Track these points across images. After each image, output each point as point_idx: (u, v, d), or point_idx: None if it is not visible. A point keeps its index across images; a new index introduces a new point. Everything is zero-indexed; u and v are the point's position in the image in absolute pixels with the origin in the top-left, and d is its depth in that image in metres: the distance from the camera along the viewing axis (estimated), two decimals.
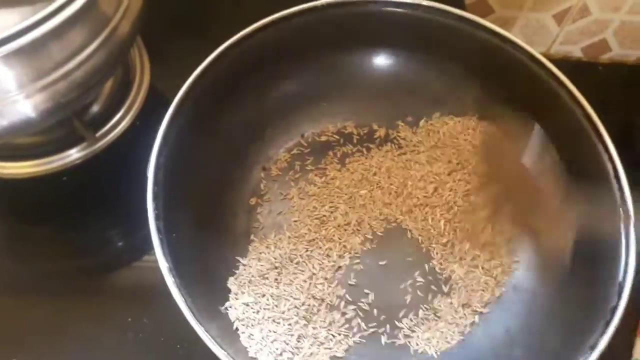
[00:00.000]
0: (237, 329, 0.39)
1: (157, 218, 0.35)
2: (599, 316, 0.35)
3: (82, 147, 0.50)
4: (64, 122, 0.47)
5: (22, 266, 0.48)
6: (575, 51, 0.67)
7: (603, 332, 0.34)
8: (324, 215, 0.45)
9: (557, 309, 0.39)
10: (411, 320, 0.42)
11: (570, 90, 0.42)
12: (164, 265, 0.34)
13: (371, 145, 0.49)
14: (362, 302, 0.43)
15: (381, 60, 0.48)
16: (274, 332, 0.39)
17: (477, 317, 0.42)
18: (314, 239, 0.44)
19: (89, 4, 0.38)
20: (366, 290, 0.43)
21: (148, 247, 0.48)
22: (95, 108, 0.52)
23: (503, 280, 0.43)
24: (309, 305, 0.41)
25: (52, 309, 0.45)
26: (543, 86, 0.43)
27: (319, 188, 0.47)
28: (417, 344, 0.41)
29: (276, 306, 0.40)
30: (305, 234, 0.45)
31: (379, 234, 0.46)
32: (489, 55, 0.45)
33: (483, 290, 0.42)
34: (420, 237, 0.45)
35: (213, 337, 0.32)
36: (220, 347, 0.32)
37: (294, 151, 0.49)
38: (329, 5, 0.44)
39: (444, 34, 0.45)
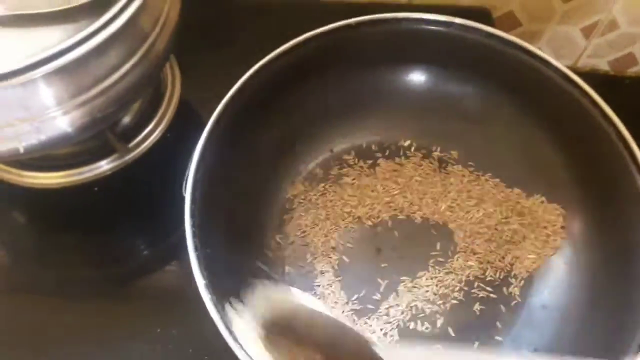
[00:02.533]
0: None
1: (194, 235, 0.36)
2: (631, 338, 0.35)
3: (113, 158, 0.50)
4: (96, 135, 0.48)
5: (52, 274, 0.49)
6: (602, 64, 0.67)
7: (636, 355, 0.34)
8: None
9: (585, 328, 0.40)
10: None
11: (604, 110, 0.42)
12: (200, 282, 0.35)
13: (403, 160, 0.50)
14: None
15: (413, 77, 0.48)
16: None
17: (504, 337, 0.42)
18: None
19: (130, 22, 0.38)
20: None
21: (177, 258, 0.49)
22: (126, 120, 0.52)
23: None
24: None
25: (80, 317, 0.46)
26: (575, 105, 0.43)
27: (348, 201, 0.48)
28: None
29: None
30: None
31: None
32: (520, 72, 0.45)
33: None
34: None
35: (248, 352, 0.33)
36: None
37: (324, 166, 0.49)
38: (362, 23, 0.44)
39: (476, 51, 0.45)
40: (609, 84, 0.67)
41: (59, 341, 0.45)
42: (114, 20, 0.38)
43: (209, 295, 0.34)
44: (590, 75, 0.44)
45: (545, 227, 0.46)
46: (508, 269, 0.45)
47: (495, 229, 0.46)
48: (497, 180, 0.48)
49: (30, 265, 0.50)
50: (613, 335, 0.37)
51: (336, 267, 0.45)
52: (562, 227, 0.45)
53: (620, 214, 0.41)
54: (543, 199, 0.47)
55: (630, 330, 0.36)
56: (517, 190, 0.48)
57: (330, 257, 0.46)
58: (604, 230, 0.42)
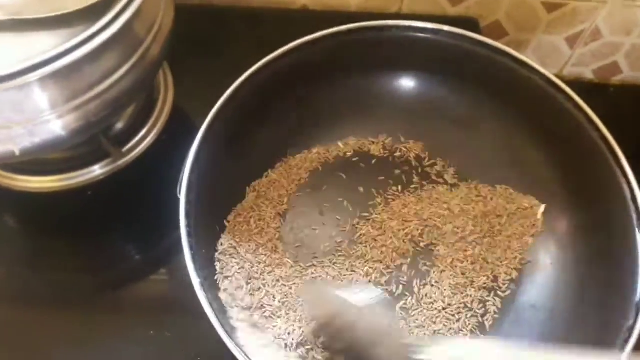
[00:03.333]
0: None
1: (189, 235, 0.36)
2: (617, 335, 0.36)
3: (106, 162, 0.51)
4: (90, 139, 0.48)
5: (45, 278, 0.49)
6: (587, 73, 0.69)
7: (622, 350, 0.35)
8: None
9: (573, 326, 0.40)
10: None
11: (587, 113, 0.43)
12: (196, 280, 0.35)
13: (394, 166, 0.50)
14: None
15: (404, 83, 0.49)
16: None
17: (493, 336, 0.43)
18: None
19: (125, 28, 0.39)
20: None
21: (170, 262, 0.50)
22: (120, 125, 0.53)
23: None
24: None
25: (73, 322, 0.46)
26: (560, 109, 0.44)
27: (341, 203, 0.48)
28: None
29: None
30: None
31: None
32: (506, 78, 0.47)
33: None
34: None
35: (243, 350, 0.33)
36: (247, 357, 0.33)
37: (317, 169, 0.50)
38: (352, 30, 0.45)
39: (464, 58, 0.47)
40: (593, 92, 0.68)
41: (52, 345, 0.45)
42: (109, 26, 0.39)
43: (204, 294, 0.35)
44: (575, 84, 0.45)
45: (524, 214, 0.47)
46: (495, 268, 0.45)
47: (476, 232, 0.47)
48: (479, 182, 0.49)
49: (23, 270, 0.50)
50: (600, 332, 0.38)
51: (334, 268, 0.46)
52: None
53: (604, 214, 0.42)
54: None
55: (615, 327, 0.37)
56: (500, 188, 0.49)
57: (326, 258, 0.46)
58: (588, 229, 0.43)
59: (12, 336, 0.45)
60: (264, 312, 0.41)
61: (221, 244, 0.42)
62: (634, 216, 0.39)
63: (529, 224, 0.46)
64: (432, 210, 0.47)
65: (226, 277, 0.41)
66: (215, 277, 0.41)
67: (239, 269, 0.42)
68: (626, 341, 0.35)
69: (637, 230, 0.39)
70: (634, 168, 0.41)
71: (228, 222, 0.44)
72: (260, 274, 0.42)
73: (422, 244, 0.46)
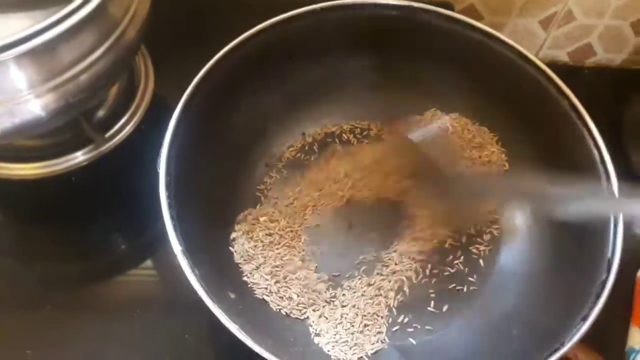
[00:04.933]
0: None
1: (170, 207, 0.37)
2: (591, 290, 0.37)
3: (89, 149, 0.51)
4: (72, 124, 0.49)
5: (29, 267, 0.49)
6: (562, 56, 0.70)
7: (594, 304, 0.36)
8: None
9: (550, 287, 0.41)
10: None
11: (557, 84, 0.44)
12: (177, 248, 0.35)
13: (366, 140, 0.52)
14: None
15: (377, 61, 0.50)
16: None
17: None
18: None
19: (99, 8, 0.40)
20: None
21: (155, 246, 0.50)
22: (101, 112, 0.54)
23: None
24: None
25: (58, 308, 0.47)
26: (531, 81, 0.46)
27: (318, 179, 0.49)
28: None
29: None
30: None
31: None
32: (479, 54, 0.48)
33: None
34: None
35: (224, 312, 0.33)
36: (231, 320, 0.33)
37: (296, 148, 0.51)
38: (325, 9, 0.46)
39: (437, 35, 0.48)
40: (568, 74, 0.68)
41: (36, 332, 0.45)
42: (83, 6, 0.39)
43: (186, 261, 0.35)
44: (550, 66, 0.46)
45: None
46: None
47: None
48: None
49: (5, 259, 0.50)
50: (576, 290, 0.39)
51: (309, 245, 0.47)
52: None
53: (575, 178, 0.43)
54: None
55: (590, 283, 0.38)
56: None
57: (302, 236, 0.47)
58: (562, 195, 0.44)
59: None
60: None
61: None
62: (604, 177, 0.40)
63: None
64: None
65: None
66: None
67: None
68: (598, 296, 0.36)
69: (607, 190, 0.40)
70: (609, 146, 0.42)
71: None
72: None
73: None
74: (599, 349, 0.44)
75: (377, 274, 0.45)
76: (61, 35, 0.39)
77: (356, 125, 0.52)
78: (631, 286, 0.49)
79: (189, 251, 0.36)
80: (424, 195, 0.47)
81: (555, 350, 0.34)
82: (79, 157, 0.51)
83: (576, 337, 0.35)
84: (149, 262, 0.50)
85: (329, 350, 0.41)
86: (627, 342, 0.47)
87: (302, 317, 0.43)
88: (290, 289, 0.43)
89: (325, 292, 0.44)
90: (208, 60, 0.44)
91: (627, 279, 0.48)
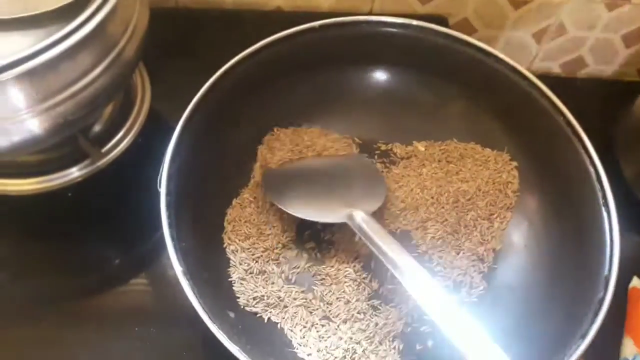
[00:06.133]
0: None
1: (170, 226, 0.37)
2: (589, 308, 0.37)
3: (85, 164, 0.51)
4: (69, 140, 0.48)
5: (26, 283, 0.49)
6: (555, 67, 0.71)
7: (592, 322, 0.36)
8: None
9: (548, 304, 0.42)
10: None
11: (552, 100, 0.45)
12: (178, 269, 0.35)
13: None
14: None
15: (376, 78, 0.51)
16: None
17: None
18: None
19: (99, 28, 0.40)
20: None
21: (154, 260, 0.50)
22: (98, 127, 0.53)
23: None
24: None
25: (57, 325, 0.46)
26: (526, 97, 0.46)
27: None
28: None
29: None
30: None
31: None
32: (475, 70, 0.48)
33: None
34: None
35: (226, 333, 0.34)
36: (232, 342, 0.33)
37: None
38: (324, 26, 0.47)
39: (433, 52, 0.48)
40: (561, 85, 0.69)
41: (34, 350, 0.45)
42: (83, 26, 0.39)
43: (187, 282, 0.35)
44: (543, 78, 0.47)
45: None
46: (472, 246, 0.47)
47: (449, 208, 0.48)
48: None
49: (2, 275, 0.49)
50: (573, 307, 0.40)
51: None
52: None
53: (571, 196, 0.44)
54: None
55: (587, 301, 0.38)
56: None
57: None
58: (557, 210, 0.45)
59: None
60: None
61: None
62: (599, 194, 0.41)
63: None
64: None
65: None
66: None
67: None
68: (596, 313, 0.37)
69: (602, 208, 0.41)
70: (601, 158, 0.42)
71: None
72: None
73: None
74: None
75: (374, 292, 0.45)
76: (61, 55, 0.38)
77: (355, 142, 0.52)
78: (624, 296, 0.50)
79: (189, 272, 0.36)
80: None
81: None
82: (75, 172, 0.51)
83: (575, 356, 0.35)
84: (145, 278, 0.50)
85: None
86: (620, 353, 0.48)
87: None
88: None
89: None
90: (204, 74, 0.44)
91: (620, 289, 0.49)
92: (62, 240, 0.51)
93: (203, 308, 0.34)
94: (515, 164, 0.49)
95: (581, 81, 0.71)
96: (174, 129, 0.42)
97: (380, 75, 0.51)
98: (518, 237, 0.47)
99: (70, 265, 0.50)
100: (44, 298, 0.48)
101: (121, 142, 0.53)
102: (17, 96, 0.39)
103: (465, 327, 0.36)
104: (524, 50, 0.68)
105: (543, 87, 0.45)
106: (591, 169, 0.42)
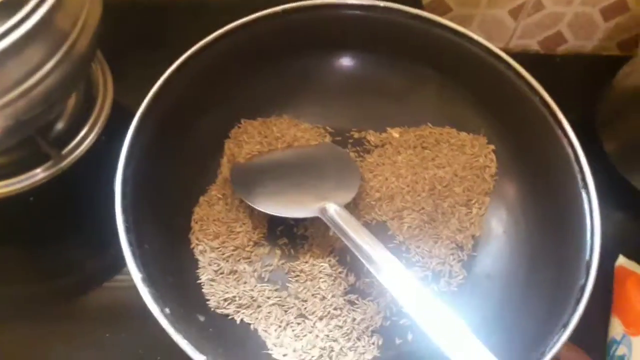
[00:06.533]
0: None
1: (127, 231, 0.35)
2: (570, 295, 0.36)
3: (47, 166, 0.49)
4: (27, 141, 0.46)
5: None
6: (533, 44, 0.69)
7: (574, 310, 0.35)
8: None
9: (529, 291, 0.40)
10: None
11: (527, 80, 0.43)
12: (137, 276, 0.34)
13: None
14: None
15: (344, 63, 0.49)
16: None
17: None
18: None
19: (45, 20, 0.37)
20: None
21: (120, 264, 0.48)
22: (59, 125, 0.51)
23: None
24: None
25: (21, 336, 0.45)
26: (501, 78, 0.44)
27: None
28: None
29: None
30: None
31: None
32: (447, 52, 0.46)
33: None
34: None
35: (190, 342, 0.32)
36: (198, 351, 0.32)
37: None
38: (287, 11, 0.45)
39: (403, 34, 0.46)
40: (540, 62, 0.68)
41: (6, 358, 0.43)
42: (27, 19, 0.37)
43: (147, 289, 0.34)
44: (521, 56, 0.45)
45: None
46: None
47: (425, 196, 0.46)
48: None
49: None
50: (554, 295, 0.38)
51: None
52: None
53: (550, 177, 0.42)
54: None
55: (568, 288, 0.37)
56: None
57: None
58: (536, 194, 0.43)
59: None
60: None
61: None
62: (579, 177, 0.39)
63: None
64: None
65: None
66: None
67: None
68: (578, 300, 0.35)
69: (582, 191, 0.39)
70: (580, 134, 0.41)
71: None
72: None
73: None
74: (578, 341, 0.43)
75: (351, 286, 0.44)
76: (6, 50, 0.36)
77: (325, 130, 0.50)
78: (611, 275, 0.49)
79: (151, 278, 0.34)
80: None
81: None
82: (38, 175, 0.49)
83: (557, 346, 0.34)
84: (114, 282, 0.48)
85: None
86: (608, 333, 0.47)
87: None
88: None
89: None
90: (167, 64, 0.42)
91: (606, 267, 0.48)
92: (26, 247, 0.49)
93: (164, 315, 0.32)
94: (492, 147, 0.47)
95: (561, 58, 0.69)
96: None
97: (348, 61, 0.49)
98: (497, 223, 0.45)
99: (36, 272, 0.48)
100: (11, 305, 0.46)
101: (84, 141, 0.51)
102: None
103: (443, 320, 0.35)
104: (501, 28, 0.67)
105: (518, 68, 0.43)
106: (569, 150, 0.40)
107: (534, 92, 0.43)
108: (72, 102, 0.52)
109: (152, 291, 0.34)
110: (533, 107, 0.42)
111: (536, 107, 0.42)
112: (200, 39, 0.44)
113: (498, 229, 0.45)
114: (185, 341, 0.32)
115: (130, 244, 0.35)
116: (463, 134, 0.48)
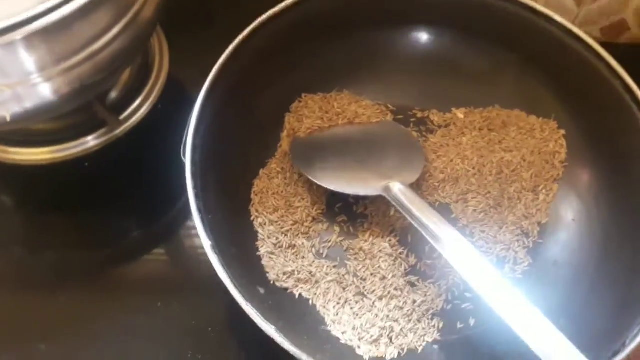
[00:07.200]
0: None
1: (197, 197, 0.34)
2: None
3: (102, 132, 0.49)
4: (85, 106, 0.46)
5: (42, 257, 0.47)
6: (595, 32, 0.66)
7: None
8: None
9: (599, 281, 0.39)
10: None
11: (610, 64, 0.41)
12: (207, 243, 0.33)
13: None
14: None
15: (417, 39, 0.47)
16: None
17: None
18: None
19: None
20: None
21: (172, 234, 0.48)
22: (114, 93, 0.51)
23: None
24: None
25: (77, 299, 0.45)
26: (581, 61, 0.42)
27: None
28: None
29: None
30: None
31: None
32: (526, 31, 0.45)
33: None
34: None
35: (259, 312, 0.31)
36: (264, 319, 0.31)
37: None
38: None
39: (478, 12, 0.45)
40: None
41: (52, 325, 0.43)
42: None
43: (216, 257, 0.33)
44: None
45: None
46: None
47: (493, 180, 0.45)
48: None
49: (18, 248, 0.47)
50: (624, 288, 0.37)
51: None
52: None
53: (628, 169, 0.40)
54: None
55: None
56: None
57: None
58: (610, 183, 0.42)
59: (11, 318, 0.43)
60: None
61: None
62: None
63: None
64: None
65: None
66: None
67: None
68: None
69: None
70: None
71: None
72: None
73: None
74: None
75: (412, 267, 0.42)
76: (74, 14, 0.36)
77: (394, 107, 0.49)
78: None
79: (218, 246, 0.34)
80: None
81: (616, 353, 0.32)
82: (92, 141, 0.49)
83: (632, 346, 0.32)
84: (166, 251, 0.48)
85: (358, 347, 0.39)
86: None
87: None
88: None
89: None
90: (225, 41, 0.41)
91: None
92: (79, 212, 0.49)
93: (234, 285, 0.32)
94: (563, 132, 0.45)
95: (623, 47, 0.66)
96: (193, 96, 0.39)
97: (421, 37, 0.47)
98: (565, 210, 0.43)
99: (88, 238, 0.48)
100: (61, 271, 0.46)
101: (139, 109, 0.51)
102: (28, 58, 0.36)
103: (514, 302, 0.33)
104: (563, 13, 0.63)
105: (599, 49, 0.41)
106: None
107: (616, 75, 0.41)
108: (128, 70, 0.52)
109: (220, 259, 0.33)
110: (613, 92, 0.40)
111: (617, 91, 0.40)
112: (256, 14, 0.43)
113: (567, 216, 0.43)
114: (255, 310, 0.31)
115: (200, 210, 0.34)
116: (532, 118, 0.46)
